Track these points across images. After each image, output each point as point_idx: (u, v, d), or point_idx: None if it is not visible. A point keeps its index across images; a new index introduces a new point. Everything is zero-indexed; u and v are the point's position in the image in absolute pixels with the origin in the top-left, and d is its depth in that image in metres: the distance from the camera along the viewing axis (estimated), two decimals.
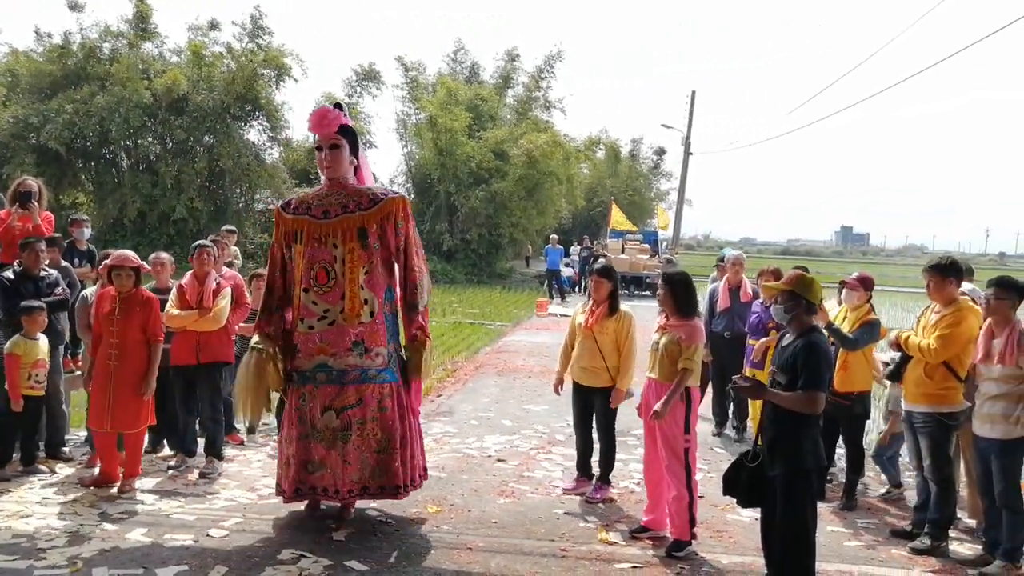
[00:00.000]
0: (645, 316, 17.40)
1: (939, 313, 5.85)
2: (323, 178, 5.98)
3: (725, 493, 5.00)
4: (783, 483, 4.65)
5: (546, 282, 27.47)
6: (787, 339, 4.85)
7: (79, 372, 7.77)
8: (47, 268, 7.26)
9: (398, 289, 5.98)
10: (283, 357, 5.86)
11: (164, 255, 7.51)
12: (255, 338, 5.93)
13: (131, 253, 6.67)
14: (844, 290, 6.97)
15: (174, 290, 7.05)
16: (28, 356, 6.65)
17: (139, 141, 28.89)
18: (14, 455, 6.84)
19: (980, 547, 5.75)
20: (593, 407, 6.70)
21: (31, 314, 6.67)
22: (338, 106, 5.95)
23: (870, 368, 6.79)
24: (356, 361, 5.66)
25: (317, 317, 5.67)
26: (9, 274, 7.02)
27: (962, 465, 6.49)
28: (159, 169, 27.80)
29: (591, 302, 6.68)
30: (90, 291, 7.15)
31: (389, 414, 5.73)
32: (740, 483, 4.86)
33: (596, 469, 6.79)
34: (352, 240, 5.70)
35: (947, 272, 5.85)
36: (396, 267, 5.93)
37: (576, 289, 28.13)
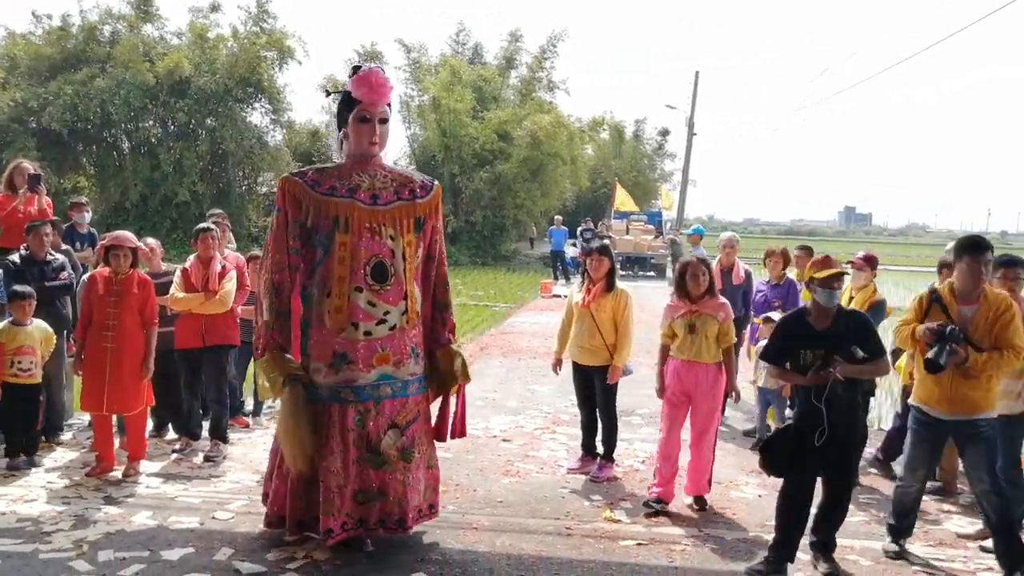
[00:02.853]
0: (649, 296, 17.48)
1: (975, 304, 5.06)
2: (342, 154, 5.21)
3: (763, 464, 5.07)
4: (848, 450, 4.99)
5: (551, 263, 27.45)
6: (819, 320, 4.95)
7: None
8: (53, 252, 7.23)
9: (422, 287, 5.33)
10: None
11: (151, 240, 7.45)
12: (271, 365, 4.86)
13: (129, 234, 6.61)
14: (850, 270, 6.96)
15: (178, 273, 7.01)
16: (12, 343, 6.47)
17: (140, 124, 28.88)
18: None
19: (980, 521, 5.76)
20: (594, 386, 6.70)
21: (18, 301, 6.51)
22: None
23: None
24: (414, 368, 5.07)
25: (376, 321, 4.90)
26: (15, 258, 7.00)
27: None
28: (160, 152, 27.76)
29: (588, 281, 6.70)
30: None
31: (430, 423, 5.32)
32: (780, 453, 4.99)
33: (601, 448, 6.78)
34: (410, 232, 5.05)
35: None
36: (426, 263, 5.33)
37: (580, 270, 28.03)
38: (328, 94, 5.28)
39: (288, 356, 4.93)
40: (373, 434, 4.89)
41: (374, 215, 4.94)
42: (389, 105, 5.14)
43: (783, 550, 4.92)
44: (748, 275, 8.92)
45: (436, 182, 5.36)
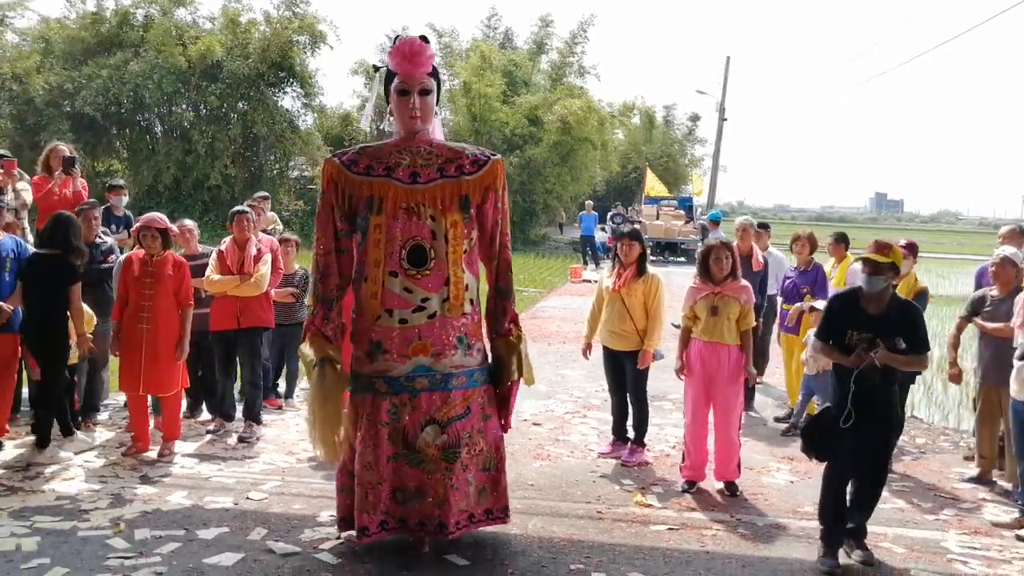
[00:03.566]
0: (680, 282, 17.37)
1: None
2: (393, 129, 4.89)
3: (804, 448, 5.12)
4: (884, 436, 5.00)
5: (581, 248, 27.42)
6: (871, 304, 4.87)
7: None
8: (102, 235, 7.30)
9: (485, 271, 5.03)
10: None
11: (189, 222, 7.52)
12: (308, 347, 4.71)
13: (159, 215, 6.66)
14: None
15: (214, 255, 7.06)
16: None
17: (173, 108, 29.00)
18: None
19: (1016, 511, 5.71)
20: (624, 371, 6.69)
21: None
22: (423, 39, 4.75)
23: None
24: (461, 360, 4.68)
25: (412, 308, 4.58)
26: None
27: (1002, 428, 6.44)
28: (193, 136, 27.91)
29: (619, 266, 6.69)
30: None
31: (493, 421, 4.88)
32: (817, 438, 5.04)
33: (632, 433, 6.78)
34: (454, 211, 4.65)
35: None
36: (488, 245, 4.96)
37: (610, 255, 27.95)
38: (376, 69, 5.06)
39: (330, 343, 4.71)
40: (409, 429, 4.59)
41: (412, 194, 4.61)
42: (435, 76, 4.81)
43: (833, 535, 4.95)
44: (767, 262, 8.65)
45: (494, 156, 4.90)
